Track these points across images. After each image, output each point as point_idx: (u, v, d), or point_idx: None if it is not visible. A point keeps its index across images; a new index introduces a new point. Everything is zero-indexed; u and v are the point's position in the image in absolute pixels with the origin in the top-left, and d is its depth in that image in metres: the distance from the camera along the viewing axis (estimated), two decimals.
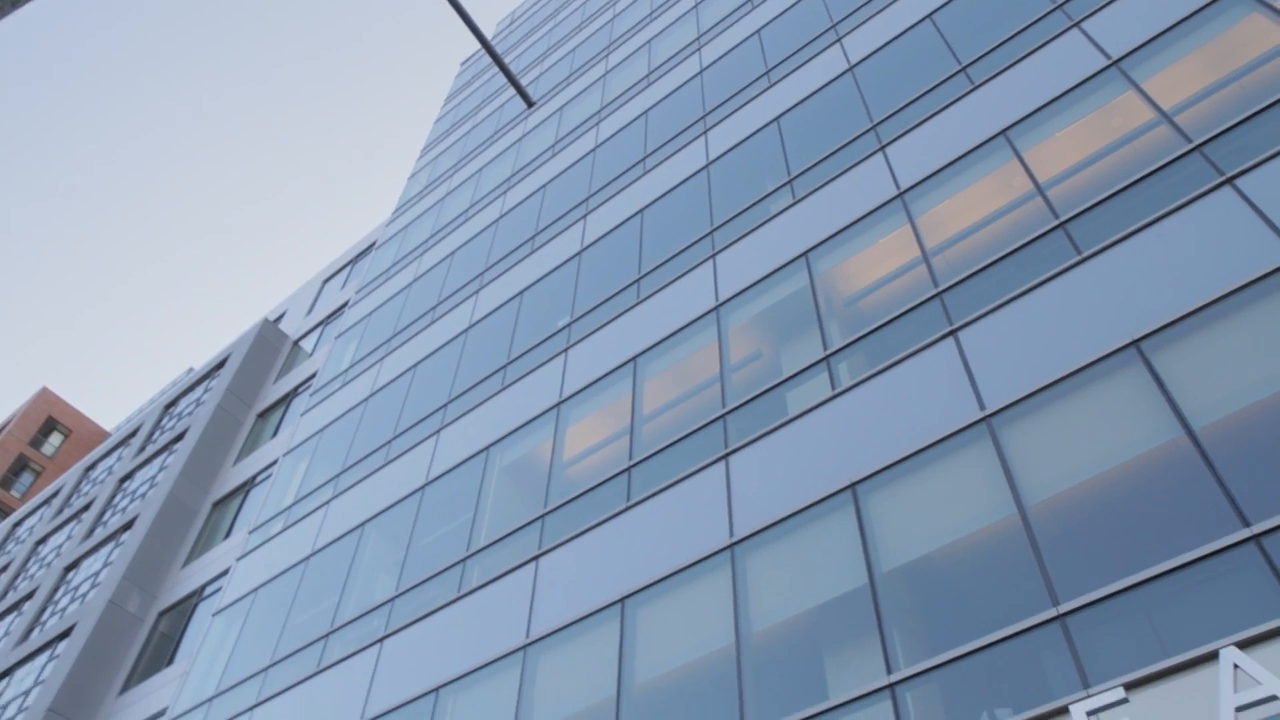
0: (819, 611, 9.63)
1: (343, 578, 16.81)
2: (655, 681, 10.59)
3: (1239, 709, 5.54)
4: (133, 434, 35.53)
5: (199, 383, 33.50)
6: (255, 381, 31.44)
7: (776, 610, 10.00)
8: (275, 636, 17.12)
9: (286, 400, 29.35)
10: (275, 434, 27.93)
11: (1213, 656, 6.66)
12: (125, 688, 22.99)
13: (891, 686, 8.35)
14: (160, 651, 23.34)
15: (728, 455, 11.97)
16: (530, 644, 12.14)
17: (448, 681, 12.81)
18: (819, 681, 9.08)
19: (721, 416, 12.56)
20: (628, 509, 12.61)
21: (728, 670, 9.74)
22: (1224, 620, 7.14)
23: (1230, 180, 9.62)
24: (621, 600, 11.51)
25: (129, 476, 31.76)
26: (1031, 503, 8.72)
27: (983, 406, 9.82)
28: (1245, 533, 7.42)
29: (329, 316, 32.39)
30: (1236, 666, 5.83)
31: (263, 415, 30.07)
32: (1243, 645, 6.54)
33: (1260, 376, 8.20)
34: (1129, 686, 6.41)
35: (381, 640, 14.58)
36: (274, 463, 26.17)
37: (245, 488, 26.69)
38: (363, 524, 17.63)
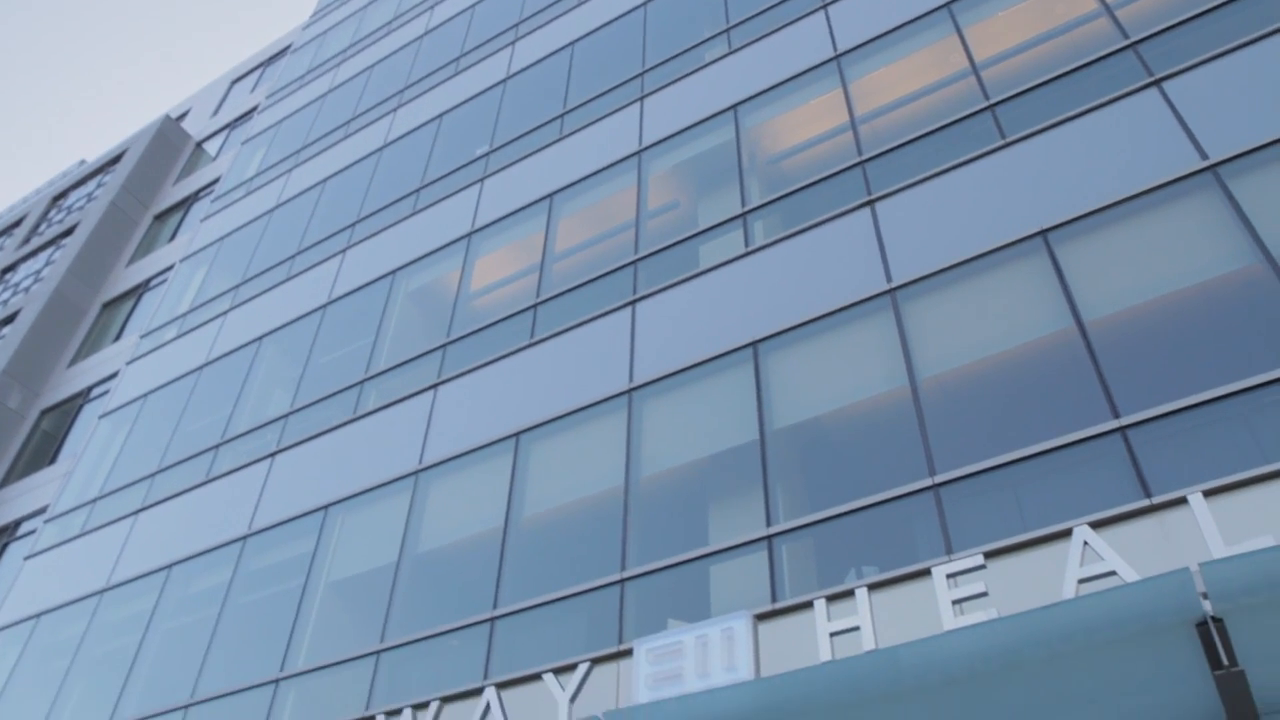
0: (708, 462, 9.93)
1: (237, 390, 16.59)
2: (543, 515, 10.86)
3: (1081, 581, 5.97)
4: (16, 224, 33.77)
5: (92, 176, 31.78)
6: (153, 181, 29.97)
7: (667, 457, 10.26)
8: (164, 443, 16.94)
9: (186, 204, 28.14)
10: (173, 238, 26.88)
11: (1067, 534, 7.11)
12: (3, 484, 22.63)
13: (769, 538, 8.74)
14: (42, 450, 22.94)
15: (635, 302, 12.00)
16: (423, 470, 12.27)
17: (338, 500, 12.92)
18: (701, 528, 9.44)
19: (633, 263, 12.52)
20: (531, 346, 12.62)
21: (614, 511, 10.04)
22: (1082, 502, 7.60)
23: (1158, 82, 9.69)
24: (517, 435, 11.65)
25: (11, 269, 30.37)
26: (923, 376, 9.01)
27: (890, 279, 9.98)
28: (1114, 424, 7.82)
29: (236, 120, 30.81)
30: (1086, 544, 6.25)
31: (160, 217, 28.83)
32: (1095, 525, 6.98)
33: (1152, 278, 8.49)
34: (988, 555, 6.83)
35: (273, 455, 14.55)
36: (170, 268, 25.30)
37: (138, 291, 25.83)
38: (260, 338, 17.31)
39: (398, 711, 9.19)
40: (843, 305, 10.07)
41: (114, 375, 23.01)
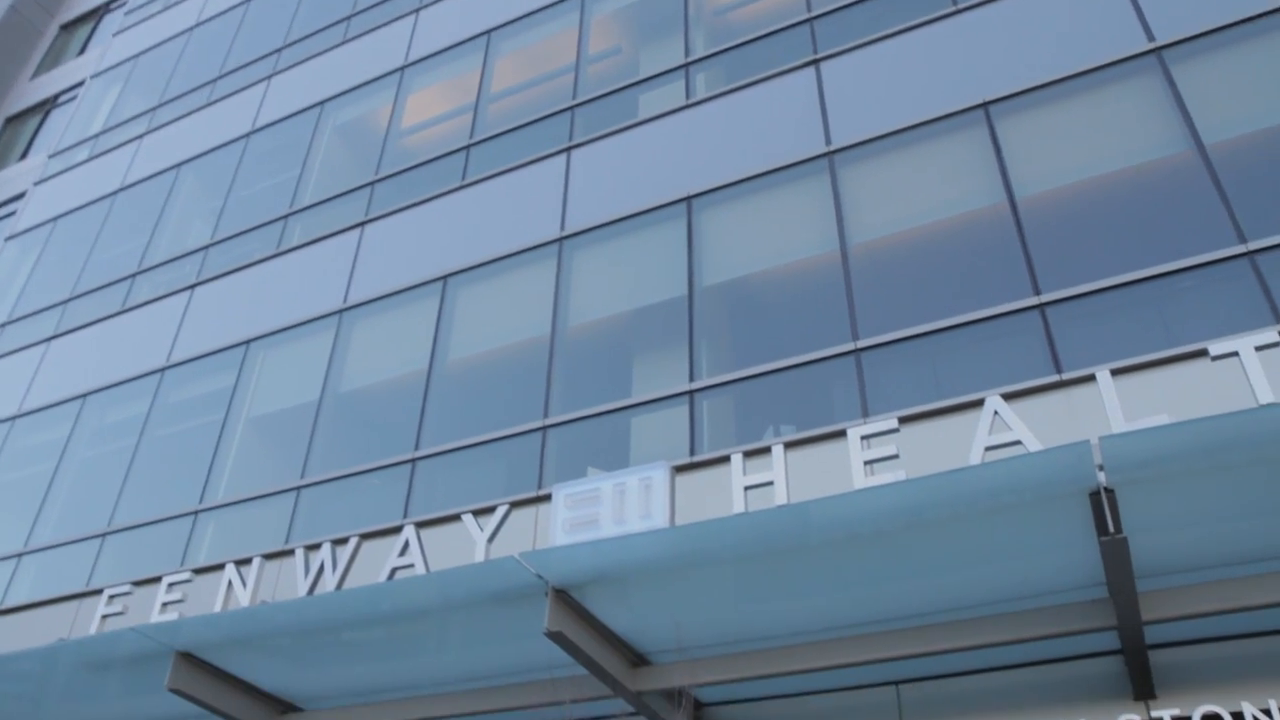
0: (635, 315, 9.94)
1: (154, 219, 15.97)
2: (468, 360, 10.85)
3: (988, 448, 6.21)
4: None
5: None
6: None
7: (595, 308, 10.25)
8: (76, 270, 16.34)
9: (97, 15, 26.33)
10: (82, 51, 25.24)
11: (978, 404, 7.33)
12: None
13: (691, 393, 8.86)
14: None
15: (571, 149, 11.71)
16: (347, 309, 12.08)
17: (259, 336, 12.70)
18: (625, 380, 9.53)
19: (570, 108, 12.16)
20: (462, 188, 12.31)
21: (539, 359, 10.04)
22: (996, 374, 7.83)
23: None
24: (444, 278, 11.48)
25: None
26: (854, 242, 9.05)
27: (829, 141, 9.88)
28: (1034, 300, 8.00)
29: None
30: (996, 414, 6.47)
31: (67, 27, 26.97)
32: (1006, 397, 7.20)
33: (1086, 158, 8.55)
34: (903, 420, 7.04)
35: (193, 287, 14.16)
36: (80, 84, 23.84)
37: (45, 107, 24.37)
38: (179, 165, 16.57)
39: (316, 546, 9.30)
40: (780, 165, 9.97)
41: (20, 195, 21.93)
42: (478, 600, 7.06)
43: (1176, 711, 6.05)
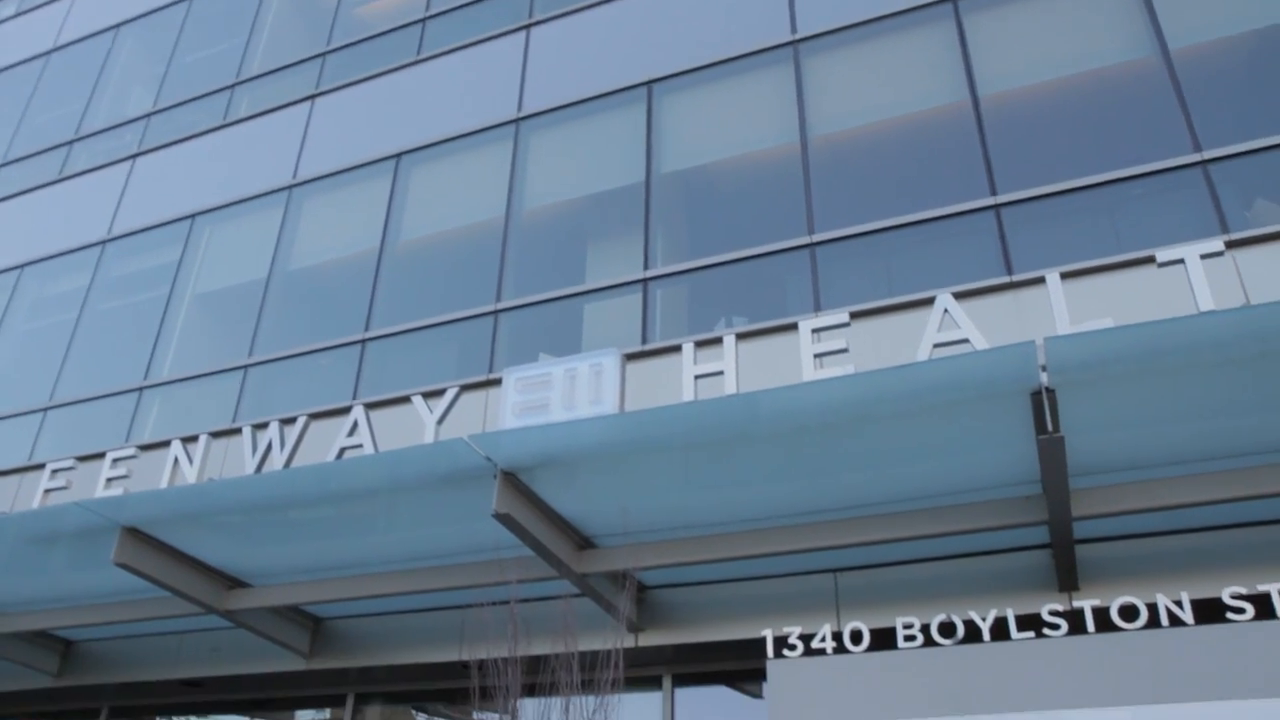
0: (591, 200, 9.82)
1: (91, 83, 15.28)
2: (420, 241, 10.69)
3: (936, 345, 6.30)
4: None
5: None
6: None
7: (551, 192, 10.10)
8: (7, 135, 15.68)
9: None
10: None
11: (929, 301, 7.38)
12: None
13: (645, 281, 8.83)
14: None
15: (530, 26, 11.33)
16: (297, 185, 11.77)
17: (205, 210, 12.36)
18: (579, 266, 9.47)
19: None
20: (417, 63, 11.91)
21: (493, 242, 9.91)
22: (948, 273, 7.90)
23: None
24: (397, 156, 11.20)
25: None
26: (815, 134, 8.95)
27: (795, 30, 9.66)
28: (990, 201, 8.02)
29: None
30: (946, 311, 6.54)
31: None
32: (957, 296, 7.27)
33: (1052, 59, 8.48)
34: (854, 315, 7.10)
35: (134, 157, 13.67)
36: None
37: None
38: (118, 26, 15.78)
39: (264, 425, 9.25)
40: (744, 53, 9.75)
41: None
42: (426, 481, 7.10)
43: (1097, 602, 6.30)
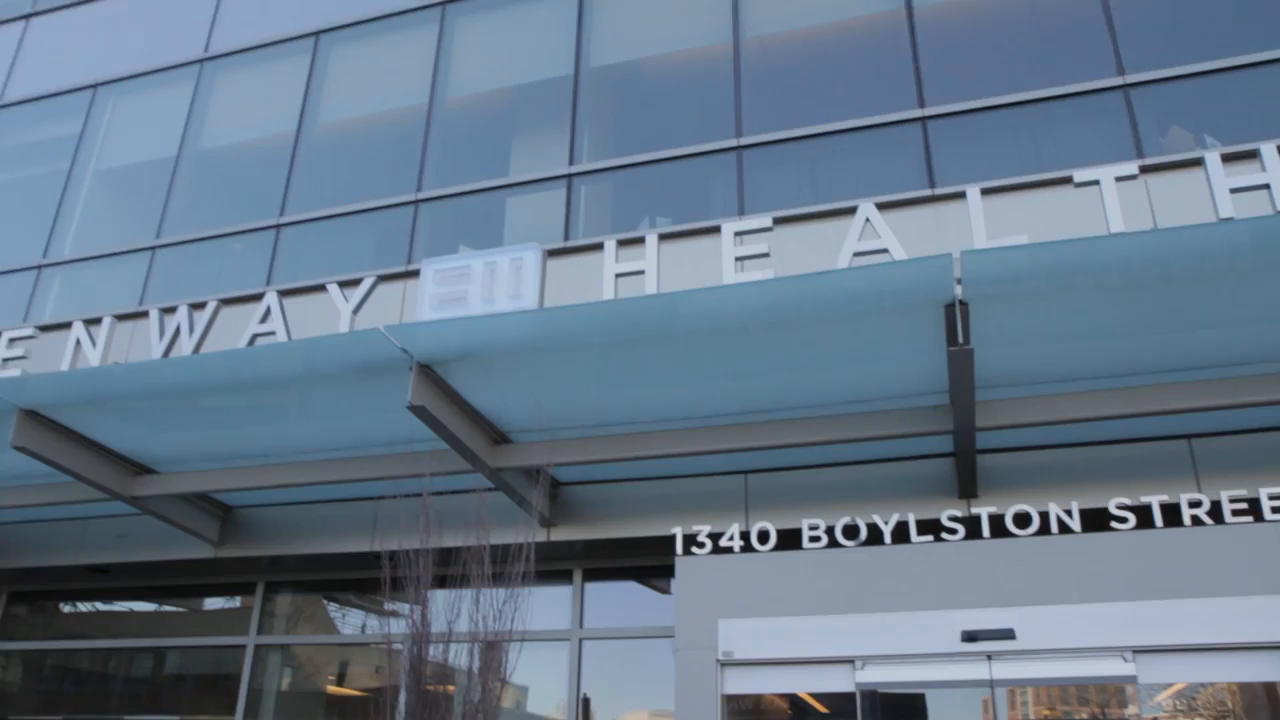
0: (518, 92, 9.56)
1: None
2: (339, 125, 10.32)
3: (856, 254, 6.36)
4: None
5: None
6: None
7: (477, 81, 9.79)
8: None
9: None
10: None
11: (851, 210, 7.40)
12: None
13: (570, 177, 8.69)
14: None
15: None
16: (209, 59, 11.20)
17: (109, 80, 11.71)
18: (503, 159, 9.26)
19: None
20: None
21: (415, 130, 9.61)
22: (872, 183, 7.94)
23: None
24: (317, 34, 10.70)
25: None
26: (748, 35, 8.80)
27: None
28: (918, 113, 8.04)
29: None
30: (868, 221, 6.59)
31: None
32: (880, 206, 7.30)
33: None
34: (777, 220, 7.10)
35: (28, 18, 12.81)
36: None
37: None
38: None
39: (172, 309, 8.94)
40: None
41: None
42: (341, 372, 7.00)
43: (993, 509, 6.58)
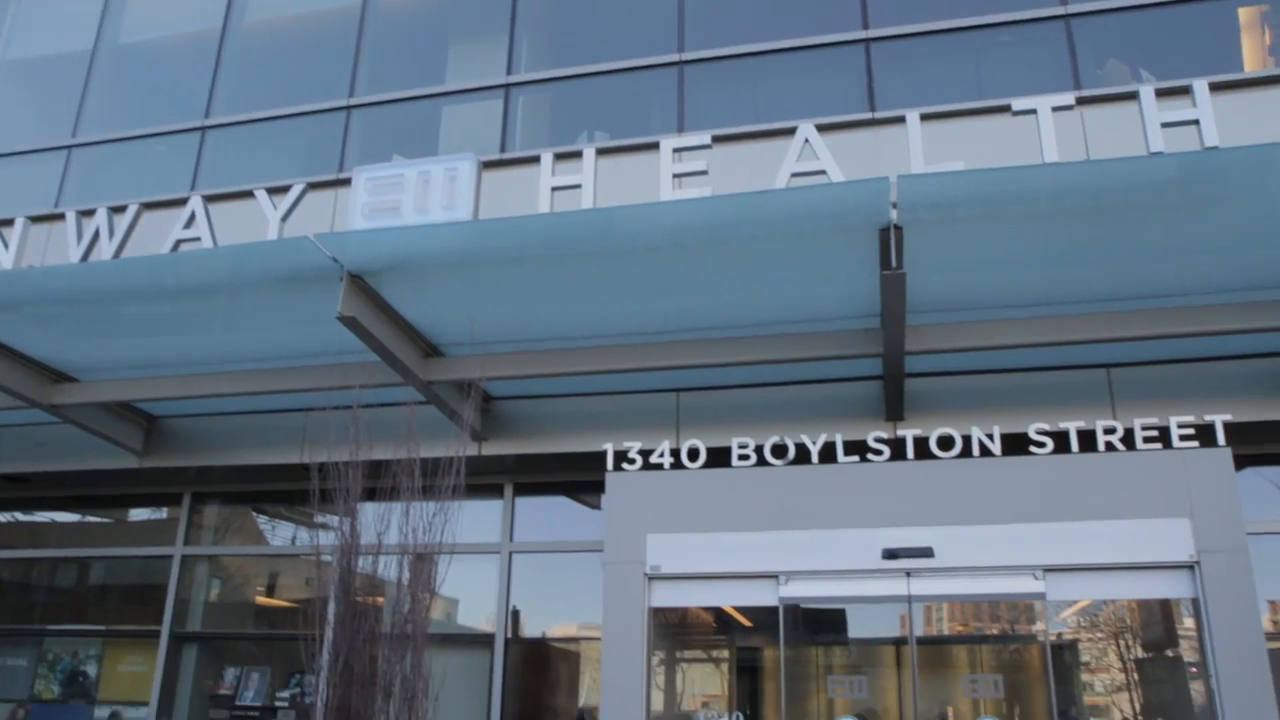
0: None
1: None
2: (268, 24, 9.91)
3: (794, 174, 6.34)
4: None
5: None
6: None
7: None
8: None
9: None
10: None
11: (791, 131, 7.35)
12: None
13: (507, 87, 8.49)
14: None
15: None
16: None
17: None
18: (439, 66, 9.00)
19: None
20: None
21: (348, 32, 9.28)
22: (813, 104, 7.89)
23: None
24: None
25: None
26: None
27: None
28: (861, 35, 7.97)
29: None
30: (806, 142, 6.55)
31: None
32: (820, 128, 7.26)
33: None
34: (717, 139, 7.02)
35: None
36: None
37: None
38: None
39: (90, 212, 8.60)
40: None
41: None
42: (269, 280, 6.84)
43: (918, 432, 6.72)
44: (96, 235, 7.90)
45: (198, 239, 7.55)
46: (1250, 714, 5.67)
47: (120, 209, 8.16)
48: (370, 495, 6.47)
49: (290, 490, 9.05)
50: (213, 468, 9.01)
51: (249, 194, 8.07)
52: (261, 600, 9.79)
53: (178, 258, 7.18)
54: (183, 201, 8.37)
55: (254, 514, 10.02)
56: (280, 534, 10.00)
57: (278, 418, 8.70)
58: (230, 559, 9.90)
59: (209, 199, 8.09)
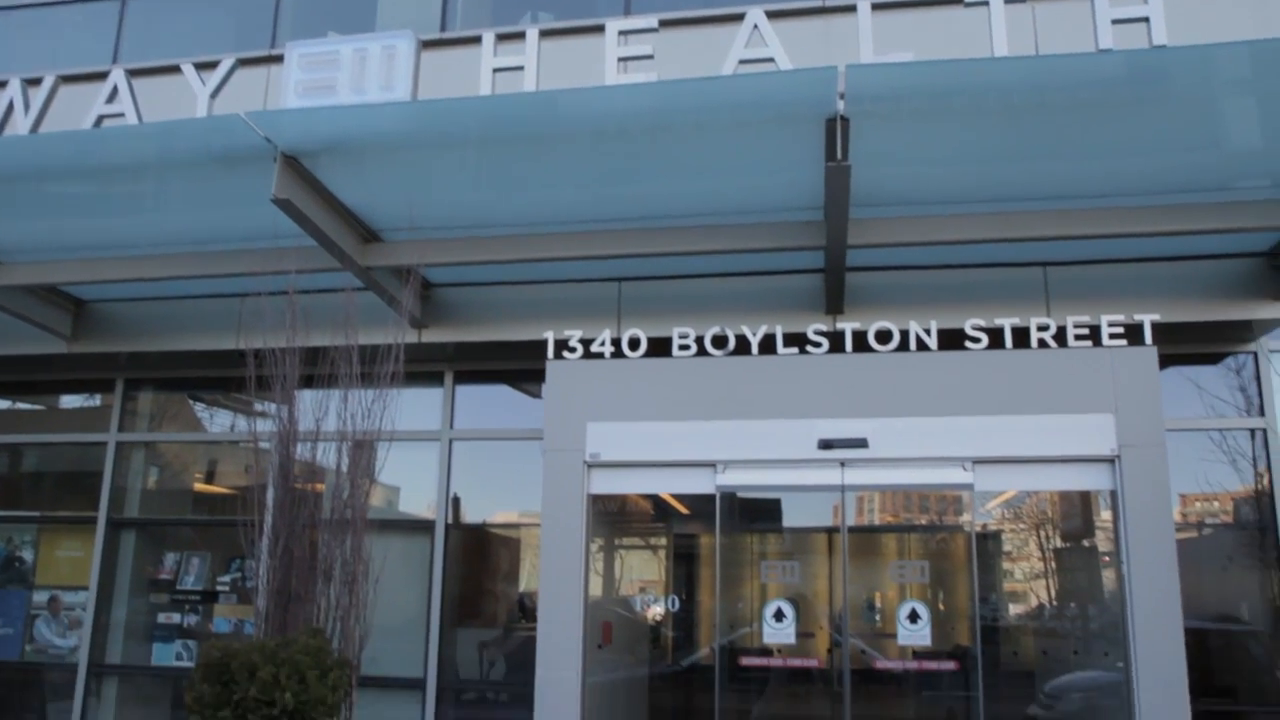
0: None
1: None
2: None
3: (741, 61, 6.20)
4: None
5: None
6: None
7: None
8: None
9: None
10: None
11: (740, 17, 7.16)
12: None
13: None
14: None
15: None
16: None
17: None
18: None
19: None
20: None
21: None
22: None
23: None
24: None
25: None
26: None
27: None
28: None
29: None
30: (755, 28, 6.39)
31: None
32: (770, 15, 7.07)
33: None
34: (664, 23, 6.82)
35: None
36: None
37: None
38: None
39: (3, 83, 8.17)
40: None
41: None
42: (200, 160, 6.61)
43: (857, 325, 6.79)
44: (11, 108, 7.51)
45: (121, 115, 7.22)
46: (1157, 599, 5.97)
47: (35, 81, 7.76)
48: (308, 382, 6.41)
49: (227, 377, 8.88)
50: (146, 354, 8.83)
51: (175, 69, 7.68)
52: (200, 487, 9.74)
53: (102, 134, 6.88)
54: (103, 75, 7.95)
55: (190, 401, 9.89)
56: (219, 422, 9.90)
57: (212, 303, 8.52)
58: (168, 446, 9.80)
59: (132, 73, 7.70)
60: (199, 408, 10.00)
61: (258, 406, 7.94)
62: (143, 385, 9.62)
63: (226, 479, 9.64)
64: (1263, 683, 7.51)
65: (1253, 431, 7.73)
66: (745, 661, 7.13)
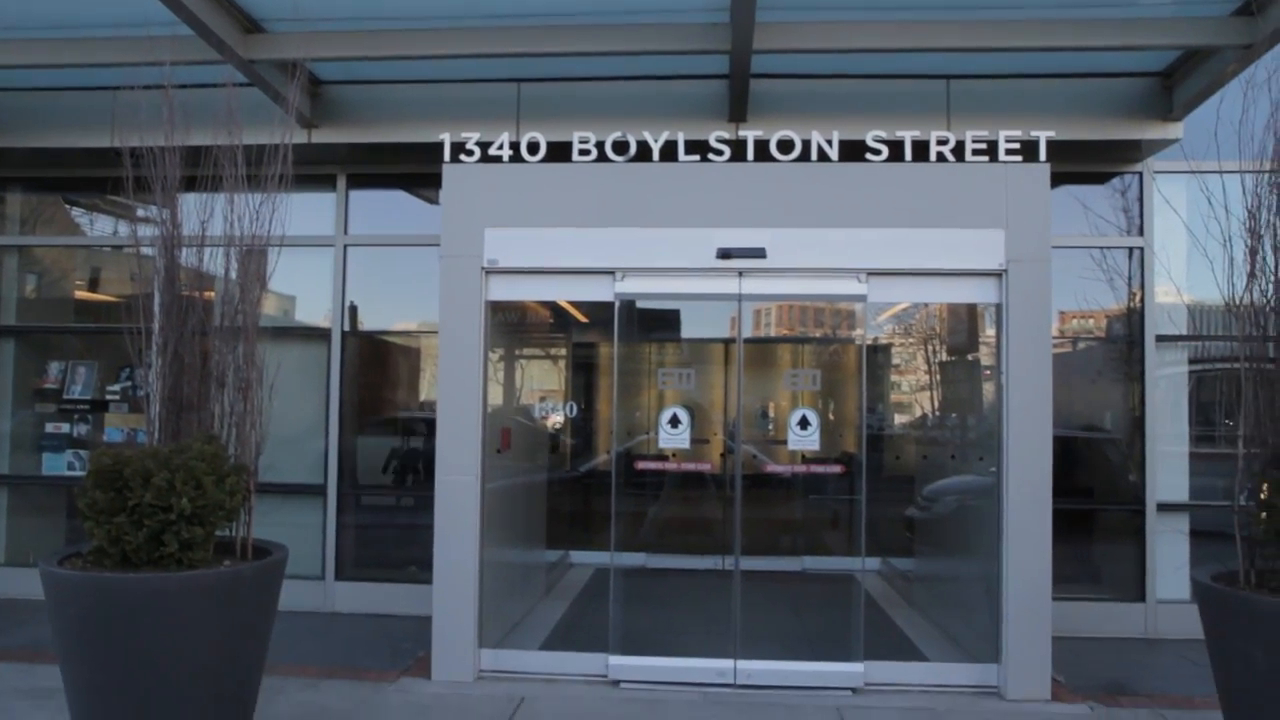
0: None
1: None
2: None
3: None
4: None
5: None
6: None
7: None
8: None
9: None
10: None
11: None
12: None
13: None
14: None
15: None
16: None
17: None
18: None
19: None
20: None
21: None
22: None
23: None
24: None
25: None
26: None
27: None
28: None
29: None
30: None
31: None
32: None
33: None
34: None
35: None
36: None
37: None
38: None
39: None
40: None
41: None
42: None
43: (760, 134, 6.70)
44: None
45: None
46: (1030, 409, 6.28)
47: None
48: (190, 185, 6.09)
49: (103, 178, 8.38)
50: (11, 149, 8.27)
51: None
52: (83, 295, 9.38)
53: None
54: None
55: (65, 204, 9.38)
56: (101, 228, 9.45)
57: (83, 96, 7.96)
58: (45, 252, 9.35)
59: None
60: (77, 212, 9.50)
61: (139, 211, 7.57)
62: (10, 185, 9.07)
63: (112, 287, 9.29)
64: (1117, 484, 8.13)
65: (1130, 250, 8.05)
66: (641, 466, 7.35)
